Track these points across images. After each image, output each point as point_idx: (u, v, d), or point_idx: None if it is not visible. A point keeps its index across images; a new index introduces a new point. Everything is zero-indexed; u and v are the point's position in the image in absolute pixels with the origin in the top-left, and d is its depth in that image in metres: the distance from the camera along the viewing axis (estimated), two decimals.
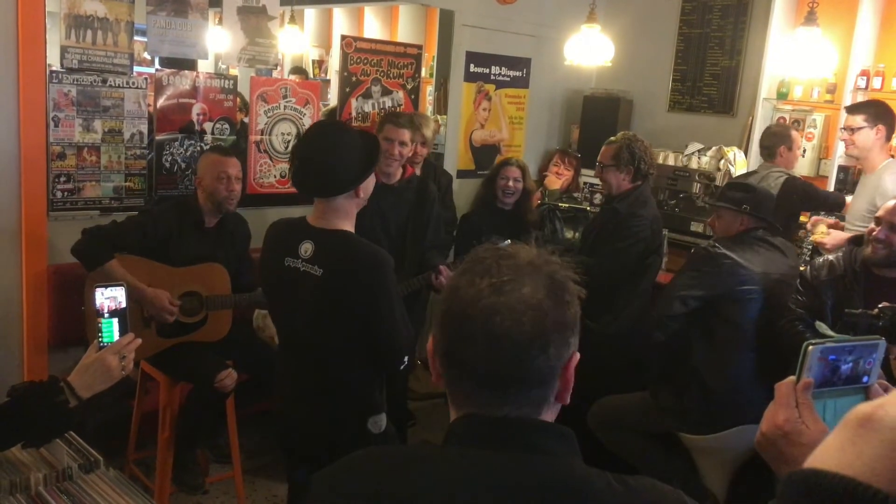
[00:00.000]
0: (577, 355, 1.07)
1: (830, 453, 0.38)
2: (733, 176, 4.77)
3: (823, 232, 3.76)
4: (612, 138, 3.70)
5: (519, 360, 1.01)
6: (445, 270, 3.30)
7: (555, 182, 4.93)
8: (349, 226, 2.32)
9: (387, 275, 2.24)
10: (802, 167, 4.68)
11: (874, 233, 2.78)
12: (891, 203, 2.80)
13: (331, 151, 2.29)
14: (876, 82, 4.44)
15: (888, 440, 0.37)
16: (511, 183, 4.14)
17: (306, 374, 2.39)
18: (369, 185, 2.35)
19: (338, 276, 2.23)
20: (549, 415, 1.07)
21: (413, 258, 3.59)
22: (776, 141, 4.28)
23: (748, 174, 4.41)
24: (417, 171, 3.96)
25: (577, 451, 1.04)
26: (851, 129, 3.74)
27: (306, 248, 2.28)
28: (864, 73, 4.46)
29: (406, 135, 3.59)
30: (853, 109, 3.83)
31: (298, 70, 7.03)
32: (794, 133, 4.38)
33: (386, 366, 2.39)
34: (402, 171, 3.65)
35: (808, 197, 4.15)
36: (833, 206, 4.13)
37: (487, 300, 1.02)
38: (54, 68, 3.41)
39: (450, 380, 1.08)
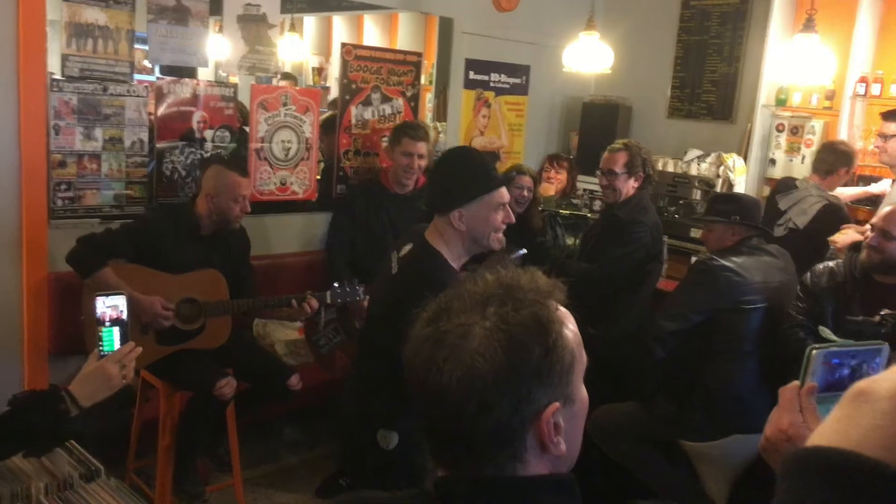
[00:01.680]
0: (555, 405, 0.95)
1: (829, 430, 0.39)
2: (733, 182, 4.78)
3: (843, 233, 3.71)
4: (615, 145, 3.70)
5: (458, 419, 0.93)
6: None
7: (548, 189, 4.92)
8: (443, 246, 2.28)
9: (404, 288, 2.20)
10: (801, 171, 4.68)
11: (867, 239, 2.80)
12: (884, 210, 2.82)
13: (438, 173, 2.47)
14: (875, 89, 4.45)
15: (881, 410, 0.38)
16: (525, 192, 4.11)
17: (357, 362, 2.53)
18: (476, 220, 2.25)
19: (400, 277, 2.29)
20: (537, 468, 0.97)
21: None
22: (839, 160, 4.05)
23: (786, 189, 4.15)
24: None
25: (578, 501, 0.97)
26: (885, 137, 3.69)
27: (407, 248, 2.36)
28: (863, 80, 4.48)
29: (423, 147, 3.65)
30: (889, 116, 3.78)
31: (287, 76, 7.03)
32: (856, 156, 4.17)
33: None
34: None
35: (833, 230, 3.83)
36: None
37: (425, 354, 0.95)
38: (55, 76, 3.42)
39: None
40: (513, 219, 2.34)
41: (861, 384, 0.40)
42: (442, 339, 0.94)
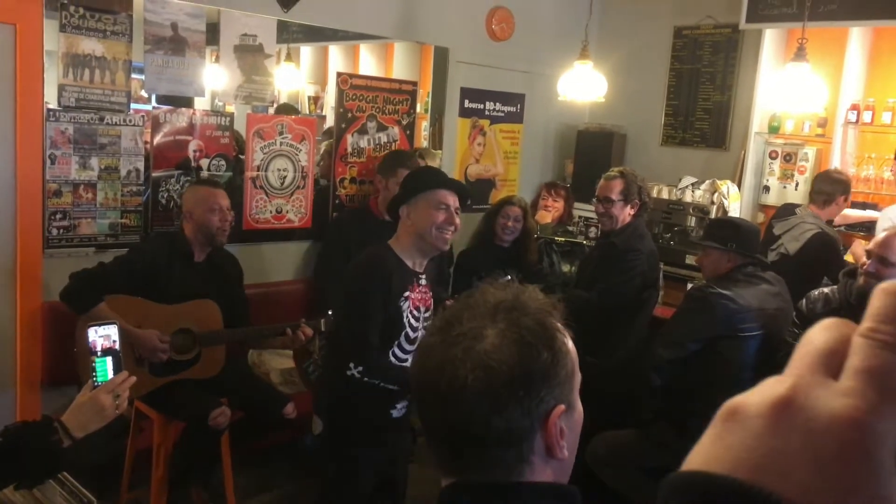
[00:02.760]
0: (561, 408, 0.99)
1: (703, 452, 0.38)
2: (727, 209, 4.80)
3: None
4: (611, 172, 3.70)
5: (470, 420, 0.95)
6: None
7: (545, 216, 4.94)
8: (396, 244, 2.57)
9: (348, 280, 2.57)
10: (795, 198, 4.70)
11: (865, 266, 2.80)
12: (881, 236, 2.82)
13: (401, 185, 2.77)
14: (866, 116, 4.49)
15: (752, 429, 0.37)
16: (511, 223, 4.11)
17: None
18: (419, 215, 2.51)
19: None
20: (543, 475, 1.00)
21: None
22: (837, 189, 4.03)
23: (785, 214, 4.15)
24: None
25: None
26: None
27: None
28: (855, 108, 4.52)
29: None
30: None
31: (287, 108, 7.05)
32: (850, 182, 4.18)
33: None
34: None
35: (826, 261, 3.83)
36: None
37: (438, 357, 0.98)
38: (51, 106, 3.43)
39: (426, 443, 1.04)
40: (456, 222, 2.54)
41: (732, 403, 0.39)
42: (455, 341, 0.98)
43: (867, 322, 0.38)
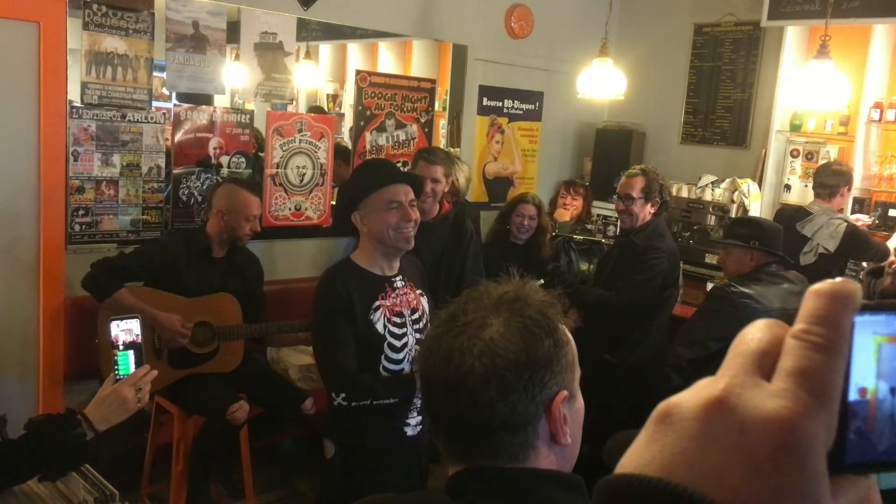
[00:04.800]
0: (563, 393, 1.02)
1: (637, 455, 0.38)
2: (747, 208, 4.76)
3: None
4: (633, 170, 3.68)
5: (476, 406, 0.98)
6: None
7: (564, 214, 4.93)
8: (360, 255, 2.39)
9: (316, 298, 2.38)
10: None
11: (894, 265, 2.77)
12: None
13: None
14: (889, 114, 4.44)
15: (687, 431, 0.36)
16: (526, 221, 4.10)
17: None
18: (371, 220, 2.31)
19: None
20: (547, 460, 1.02)
21: (449, 294, 3.55)
22: (840, 181, 4.09)
23: (801, 217, 4.17)
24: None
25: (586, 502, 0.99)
26: None
27: None
28: (878, 105, 4.47)
29: (439, 171, 3.46)
30: None
31: (317, 109, 7.10)
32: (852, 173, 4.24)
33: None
34: (438, 207, 3.60)
35: (860, 249, 4.01)
36: (879, 256, 3.93)
37: (445, 346, 1.01)
38: (75, 104, 3.47)
39: (432, 432, 1.07)
40: (412, 216, 2.32)
41: (665, 404, 0.38)
42: (461, 331, 1.01)
43: (799, 323, 0.38)
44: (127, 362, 1.87)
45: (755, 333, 0.39)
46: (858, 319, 0.38)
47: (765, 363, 0.38)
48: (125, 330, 1.88)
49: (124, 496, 2.01)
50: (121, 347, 1.87)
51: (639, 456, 0.38)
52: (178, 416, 3.18)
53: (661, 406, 0.39)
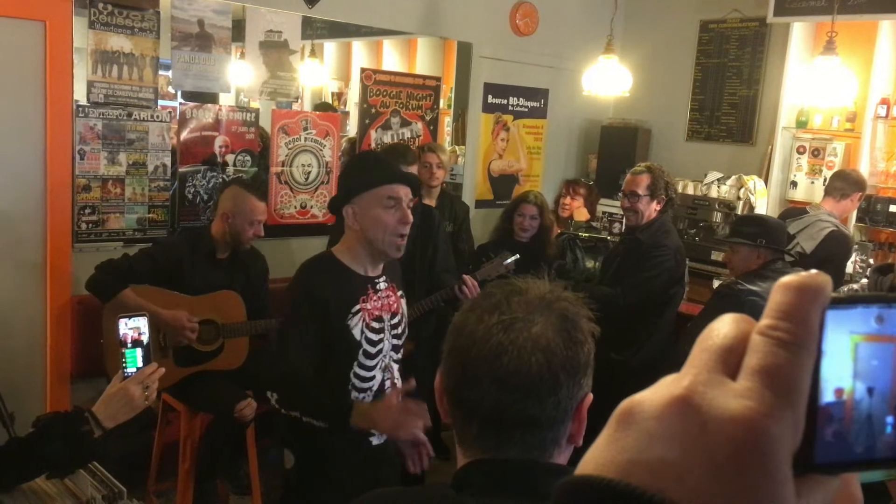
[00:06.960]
0: (591, 396, 1.05)
1: (597, 455, 0.37)
2: (754, 205, 4.75)
3: None
4: (638, 167, 3.67)
5: (525, 401, 1.00)
6: (471, 280, 2.98)
7: (582, 213, 4.93)
8: (344, 252, 2.23)
9: (291, 298, 2.24)
10: (822, 194, 4.63)
11: None
12: None
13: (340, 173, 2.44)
14: None
15: (647, 431, 0.35)
16: (528, 221, 4.10)
17: None
18: (367, 217, 2.15)
19: None
20: (561, 458, 1.05)
21: (423, 284, 3.56)
22: (855, 187, 4.07)
23: (795, 215, 4.18)
24: (433, 202, 3.98)
25: None
26: None
27: None
28: (885, 102, 4.45)
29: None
30: None
31: (325, 106, 7.11)
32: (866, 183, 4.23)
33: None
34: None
35: (839, 255, 3.91)
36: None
37: (495, 339, 1.01)
38: (81, 103, 3.48)
39: (456, 420, 1.06)
40: (409, 219, 2.17)
41: (627, 403, 0.37)
42: (511, 324, 1.01)
43: (766, 319, 0.36)
44: (135, 360, 1.88)
45: (721, 329, 0.38)
46: (831, 314, 0.36)
47: (730, 360, 0.36)
48: (133, 328, 1.88)
49: (132, 493, 2.01)
50: (129, 345, 1.87)
51: (599, 456, 0.36)
52: (184, 413, 3.19)
53: (623, 404, 0.37)
